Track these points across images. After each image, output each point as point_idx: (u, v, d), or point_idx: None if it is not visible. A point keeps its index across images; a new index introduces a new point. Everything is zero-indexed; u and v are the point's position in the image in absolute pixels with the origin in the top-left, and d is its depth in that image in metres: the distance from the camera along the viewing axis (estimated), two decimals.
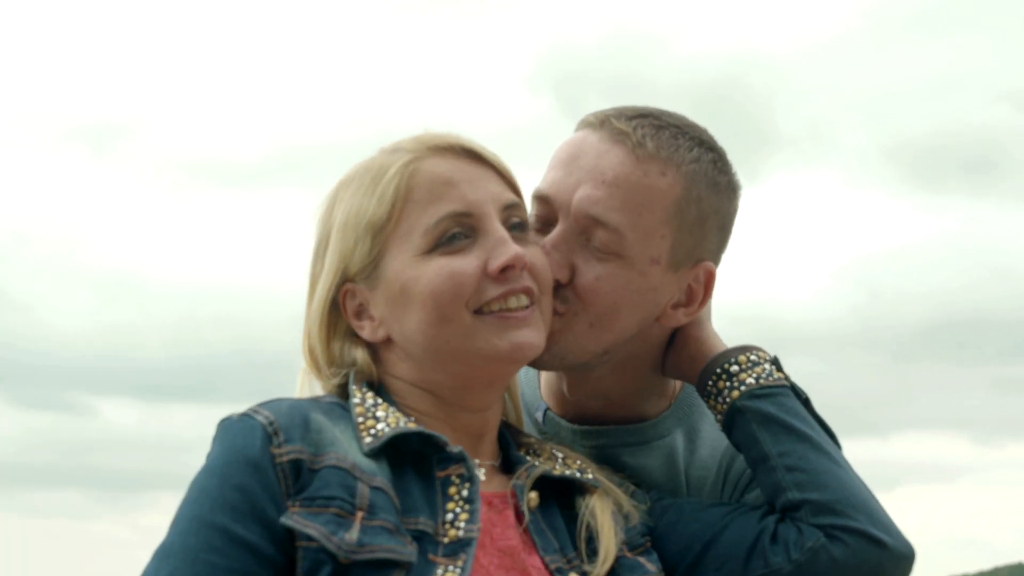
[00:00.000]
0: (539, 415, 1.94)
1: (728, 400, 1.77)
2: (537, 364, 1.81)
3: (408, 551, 1.50)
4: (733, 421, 1.77)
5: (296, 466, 1.52)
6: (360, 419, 1.60)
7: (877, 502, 1.70)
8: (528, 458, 1.71)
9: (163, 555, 1.49)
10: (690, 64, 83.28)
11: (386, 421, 1.60)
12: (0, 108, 62.84)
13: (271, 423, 1.54)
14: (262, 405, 1.58)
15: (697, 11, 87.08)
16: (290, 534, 1.49)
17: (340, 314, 1.68)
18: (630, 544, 1.69)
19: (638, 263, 1.76)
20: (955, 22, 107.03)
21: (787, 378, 1.80)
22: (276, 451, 1.52)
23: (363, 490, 1.52)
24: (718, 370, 1.79)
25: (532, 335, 1.63)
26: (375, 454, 1.56)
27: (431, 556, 1.52)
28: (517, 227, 1.67)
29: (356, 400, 1.63)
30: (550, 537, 1.64)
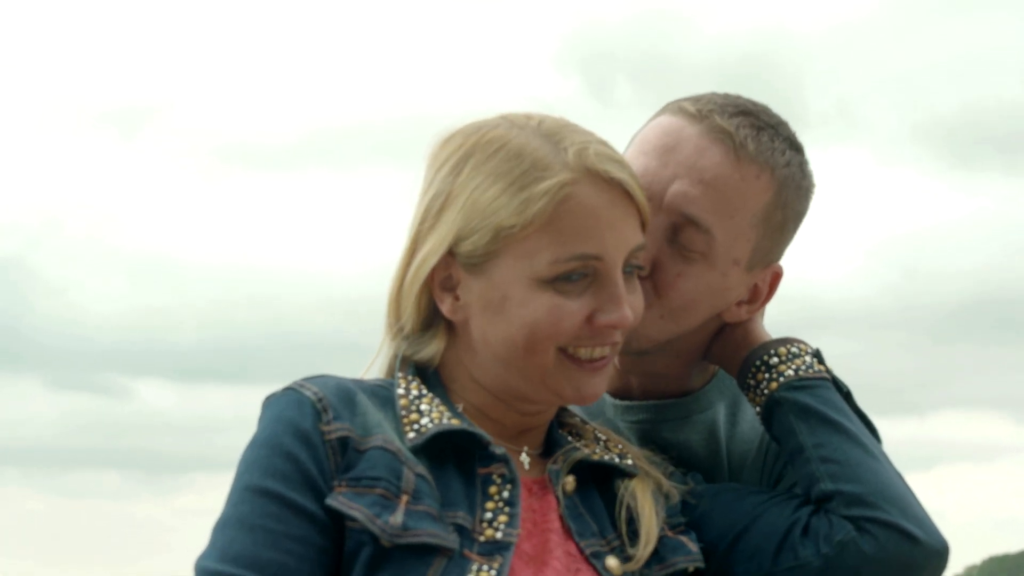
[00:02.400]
0: None
1: (766, 392, 1.76)
2: None
3: (452, 538, 1.49)
4: (771, 413, 1.76)
5: (344, 444, 1.51)
6: (404, 412, 1.58)
7: (912, 495, 1.68)
8: (570, 439, 1.70)
9: (219, 528, 1.49)
10: (717, 42, 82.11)
11: (430, 416, 1.58)
12: (30, 94, 62.32)
13: (320, 399, 1.53)
14: (308, 380, 1.56)
15: None
16: (338, 514, 1.48)
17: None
18: (671, 523, 1.68)
19: (721, 264, 1.75)
20: None
21: (828, 371, 1.78)
22: (325, 428, 1.51)
23: (408, 474, 1.51)
24: (757, 362, 1.78)
25: (600, 385, 1.61)
26: (416, 450, 1.55)
27: (466, 551, 1.51)
28: (632, 268, 1.63)
29: (400, 391, 1.61)
30: (588, 520, 1.63)
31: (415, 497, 1.50)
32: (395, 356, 1.66)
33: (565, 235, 1.55)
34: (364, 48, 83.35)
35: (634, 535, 1.63)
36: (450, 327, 1.64)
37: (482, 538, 1.53)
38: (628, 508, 1.65)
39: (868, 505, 1.63)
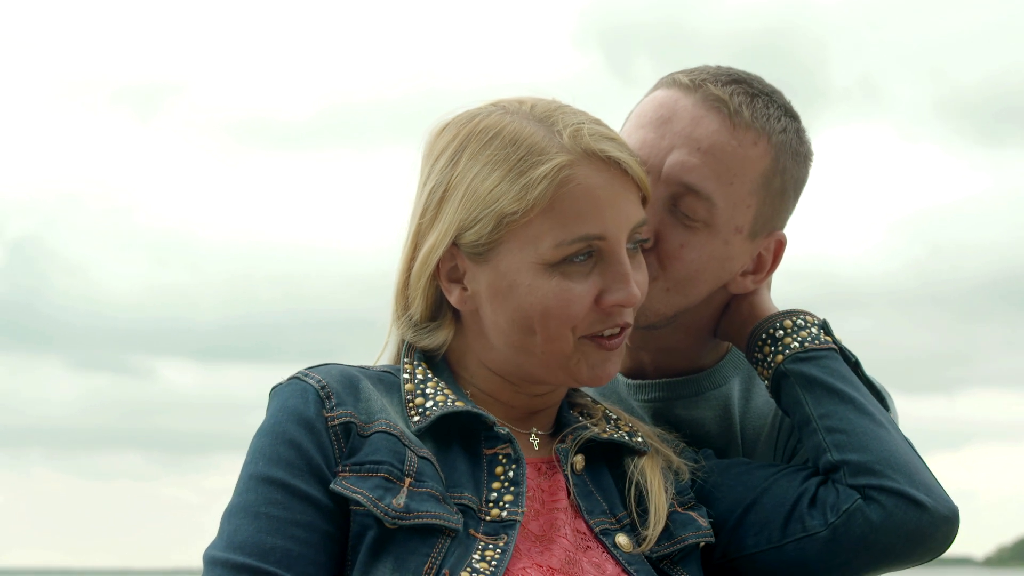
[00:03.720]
0: None
1: (773, 364, 1.76)
2: None
3: (456, 518, 1.51)
4: (779, 386, 1.76)
5: (347, 429, 1.54)
6: (409, 397, 1.60)
7: (920, 461, 1.67)
8: (580, 419, 1.70)
9: (226, 517, 1.52)
10: (738, 16, 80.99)
11: (434, 399, 1.59)
12: (46, 74, 62.44)
13: (323, 387, 1.55)
14: (312, 369, 1.59)
15: None
16: (342, 499, 1.50)
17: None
18: (681, 500, 1.69)
19: (723, 232, 1.76)
20: None
21: (835, 341, 1.77)
22: (328, 414, 1.54)
23: (411, 457, 1.53)
24: (763, 335, 1.78)
25: (614, 367, 1.63)
26: (422, 433, 1.57)
27: (472, 531, 1.52)
28: (636, 244, 1.64)
29: (406, 376, 1.62)
30: (598, 499, 1.64)
31: (418, 479, 1.51)
32: (401, 342, 1.67)
33: (567, 217, 1.56)
34: (382, 25, 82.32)
35: (644, 513, 1.64)
36: (457, 316, 1.65)
37: (488, 517, 1.54)
38: (637, 486, 1.66)
39: (874, 473, 1.63)
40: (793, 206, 1.85)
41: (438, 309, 1.65)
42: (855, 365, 1.77)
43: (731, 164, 1.74)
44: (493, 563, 1.50)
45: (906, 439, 1.70)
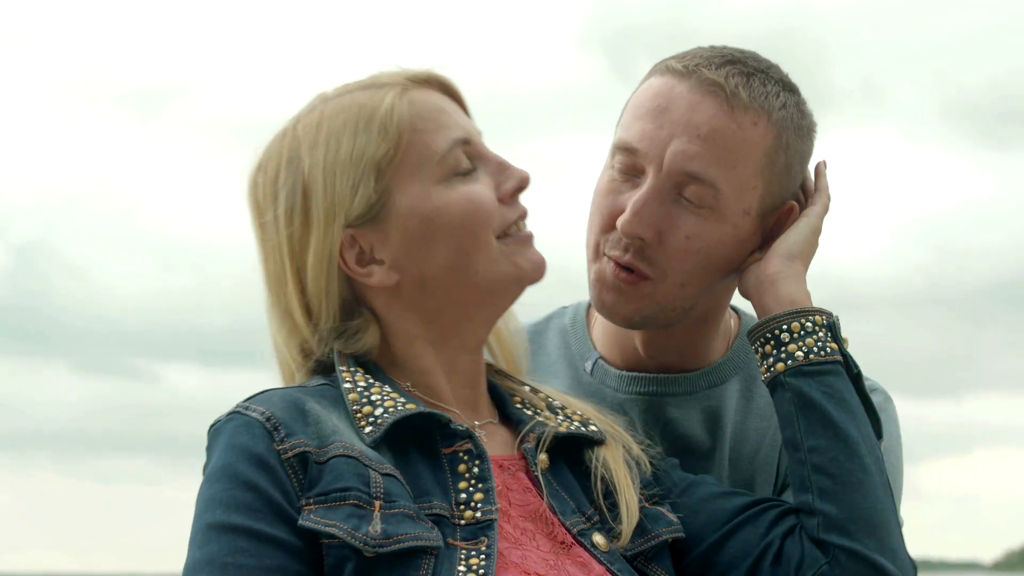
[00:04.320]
0: (588, 364, 1.91)
1: (773, 370, 1.68)
2: (626, 326, 1.81)
3: (435, 535, 1.45)
4: (774, 391, 1.69)
5: (303, 459, 1.46)
6: (355, 407, 1.52)
7: (895, 517, 1.62)
8: (527, 412, 1.65)
9: (189, 573, 1.43)
10: (741, 18, 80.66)
11: (383, 405, 1.52)
12: (49, 78, 61.66)
13: (268, 418, 1.47)
14: (251, 400, 1.51)
15: None
16: (312, 533, 1.43)
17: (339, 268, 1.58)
18: (646, 494, 1.64)
19: (731, 216, 1.73)
20: None
21: (841, 349, 1.69)
22: (280, 447, 1.45)
23: (376, 477, 1.46)
24: (768, 334, 1.69)
25: (540, 253, 1.63)
26: (377, 444, 1.50)
27: (450, 540, 1.46)
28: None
29: (347, 385, 1.54)
30: (565, 497, 1.59)
31: (388, 500, 1.45)
32: (330, 353, 1.59)
33: (431, 133, 1.56)
34: (384, 26, 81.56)
35: (612, 507, 1.60)
36: (372, 310, 1.60)
37: (462, 522, 1.49)
38: (603, 479, 1.61)
39: (847, 534, 1.58)
40: (800, 178, 1.81)
41: (351, 309, 1.59)
42: (856, 377, 1.69)
43: (732, 147, 1.72)
44: (480, 571, 1.45)
45: (887, 484, 1.64)
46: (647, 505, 1.63)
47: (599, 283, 1.78)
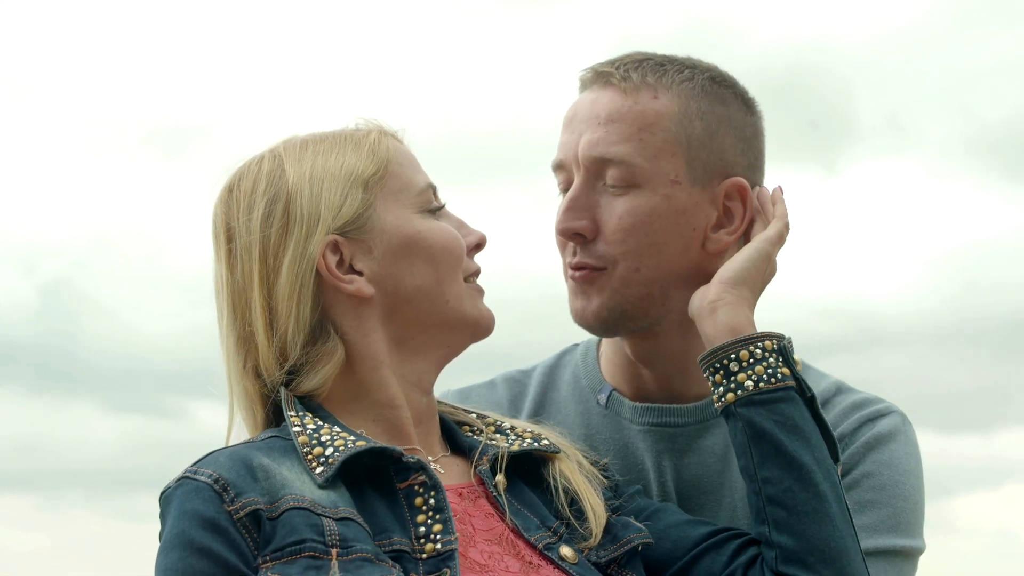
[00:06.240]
0: (603, 397, 1.89)
1: (724, 400, 1.64)
2: (603, 329, 1.80)
3: (396, 573, 1.43)
4: (727, 420, 1.66)
5: (256, 518, 1.44)
6: (305, 449, 1.51)
7: (854, 544, 1.60)
8: (478, 438, 1.65)
9: None
10: (763, 52, 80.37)
11: (333, 444, 1.51)
12: (73, 115, 61.45)
13: (216, 480, 1.45)
14: (198, 464, 1.49)
15: None
16: None
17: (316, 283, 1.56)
18: (609, 506, 1.65)
19: (659, 187, 1.75)
20: None
21: (794, 373, 1.65)
22: (230, 508, 1.43)
23: (330, 525, 1.44)
24: (716, 364, 1.65)
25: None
26: (330, 483, 1.48)
27: (413, 575, 1.45)
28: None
29: (296, 428, 1.53)
30: (528, 514, 1.59)
31: (344, 546, 1.43)
32: (276, 397, 1.57)
33: (409, 170, 1.62)
34: (406, 61, 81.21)
35: (579, 514, 1.60)
36: (341, 335, 1.57)
37: (424, 555, 1.47)
38: (565, 491, 1.62)
39: (806, 566, 1.57)
40: (744, 150, 1.81)
41: (318, 329, 1.56)
42: (811, 400, 1.66)
43: (633, 121, 1.76)
44: None
45: (844, 510, 1.61)
46: (612, 516, 1.63)
47: (569, 295, 1.80)
